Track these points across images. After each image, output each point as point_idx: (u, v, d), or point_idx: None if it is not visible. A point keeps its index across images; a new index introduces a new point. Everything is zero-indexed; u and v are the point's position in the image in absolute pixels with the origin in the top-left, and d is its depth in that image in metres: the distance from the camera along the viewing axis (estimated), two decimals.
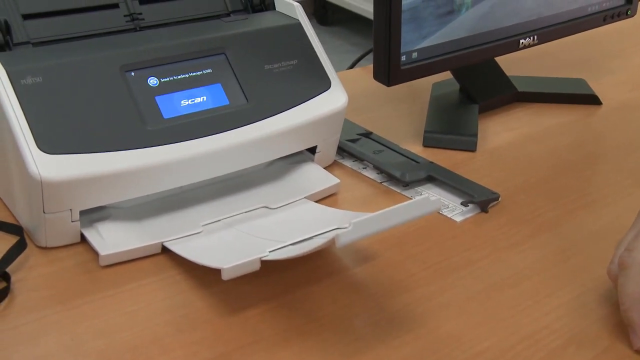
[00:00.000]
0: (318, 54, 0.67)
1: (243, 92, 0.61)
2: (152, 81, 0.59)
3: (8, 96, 0.53)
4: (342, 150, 0.71)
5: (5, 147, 0.54)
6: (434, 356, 0.47)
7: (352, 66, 0.97)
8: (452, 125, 0.76)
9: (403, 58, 0.69)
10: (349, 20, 3.40)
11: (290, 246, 0.52)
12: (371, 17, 2.56)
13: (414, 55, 0.70)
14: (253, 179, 0.64)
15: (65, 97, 0.54)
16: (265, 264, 0.49)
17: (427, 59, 0.71)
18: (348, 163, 0.70)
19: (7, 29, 0.58)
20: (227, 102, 0.60)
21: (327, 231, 0.54)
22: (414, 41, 0.69)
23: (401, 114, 0.82)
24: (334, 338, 0.48)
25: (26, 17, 0.60)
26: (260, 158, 0.62)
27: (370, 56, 0.99)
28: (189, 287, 0.52)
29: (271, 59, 0.64)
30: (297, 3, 0.68)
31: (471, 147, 0.74)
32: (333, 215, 0.58)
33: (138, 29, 0.64)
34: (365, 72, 0.95)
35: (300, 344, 0.47)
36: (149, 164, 0.55)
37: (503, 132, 0.79)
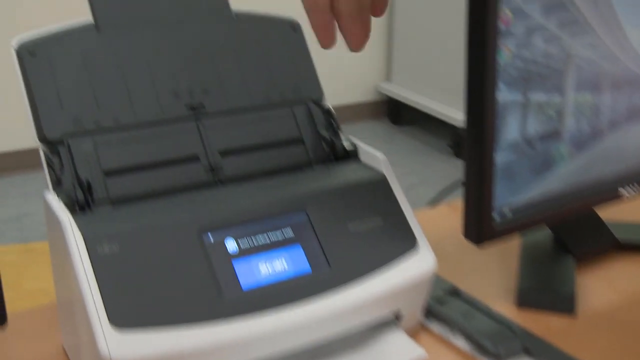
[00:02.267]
0: (404, 211, 0.63)
1: (325, 255, 0.58)
2: (230, 245, 0.56)
3: (84, 266, 0.50)
4: (428, 312, 0.66)
5: (76, 318, 0.52)
6: None
7: (434, 202, 0.92)
8: (546, 281, 0.70)
9: (495, 216, 0.64)
10: (421, 119, 3.40)
11: None
12: (442, 117, 2.56)
13: (507, 212, 0.65)
14: (331, 345, 0.60)
15: (140, 265, 0.52)
16: None
17: (521, 216, 0.66)
18: (435, 327, 0.65)
19: (88, 188, 0.57)
20: (309, 268, 0.57)
21: None
22: (507, 197, 0.65)
23: (490, 262, 0.77)
24: None
25: (108, 173, 0.59)
26: (342, 327, 0.58)
27: (456, 192, 0.95)
28: None
29: (354, 218, 0.61)
30: (382, 155, 0.65)
31: (569, 309, 0.67)
32: None
33: (218, 182, 0.62)
34: (450, 210, 0.91)
35: None
36: (225, 340, 0.51)
37: (605, 290, 0.72)
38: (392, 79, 3.51)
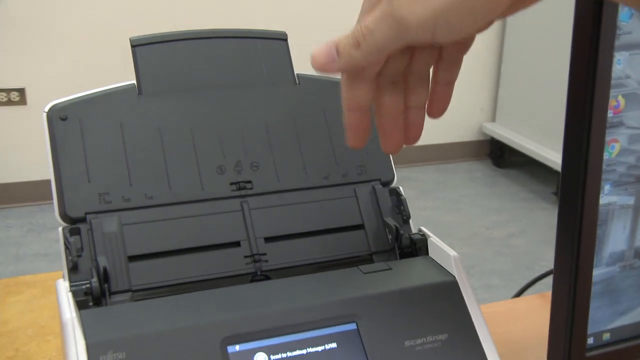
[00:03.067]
0: (475, 324, 0.52)
1: None
2: (259, 359, 0.47)
3: None
4: None
5: None
6: None
7: (518, 294, 0.80)
8: None
9: (590, 341, 0.52)
10: (526, 164, 3.21)
11: None
12: (548, 163, 2.36)
13: (606, 336, 0.53)
14: None
15: None
16: None
17: (624, 341, 0.54)
18: None
19: (105, 277, 0.50)
20: None
21: None
22: (607, 319, 0.53)
23: None
24: None
25: (132, 258, 0.51)
26: None
27: (545, 281, 0.83)
28: None
29: (414, 331, 0.50)
30: (454, 254, 0.55)
31: None
32: None
33: (259, 273, 0.54)
34: (541, 302, 0.78)
35: None
36: None
37: None
38: (496, 119, 3.35)
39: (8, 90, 2.73)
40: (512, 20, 3.14)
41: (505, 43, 3.21)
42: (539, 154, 2.96)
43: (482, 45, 3.21)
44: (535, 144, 3.01)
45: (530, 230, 2.71)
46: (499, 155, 3.32)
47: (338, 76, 0.62)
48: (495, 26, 3.20)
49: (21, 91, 2.72)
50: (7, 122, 2.72)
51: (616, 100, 0.48)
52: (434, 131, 3.28)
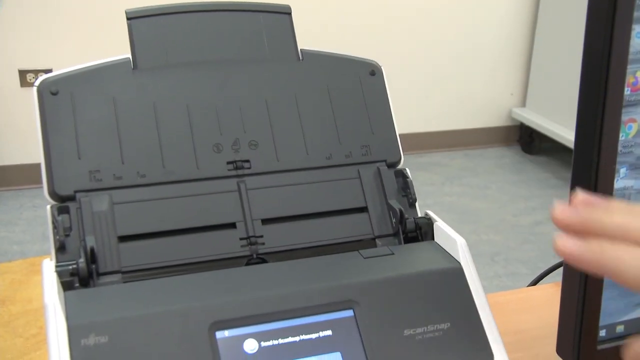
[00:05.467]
0: (480, 313, 0.50)
1: None
2: (249, 346, 0.45)
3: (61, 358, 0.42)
4: None
5: None
6: None
7: (534, 283, 0.77)
8: None
9: (602, 333, 0.49)
10: (556, 150, 3.15)
11: None
12: None
13: (619, 329, 0.50)
14: None
15: None
16: None
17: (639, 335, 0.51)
18: None
19: (93, 257, 0.48)
20: None
21: None
22: (621, 310, 0.50)
23: None
24: None
25: (123, 239, 0.50)
26: None
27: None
28: None
29: (414, 320, 0.48)
30: (461, 239, 0.52)
31: None
32: None
33: (254, 256, 0.52)
34: (556, 290, 0.75)
35: None
36: None
37: None
38: (527, 104, 3.28)
39: (36, 71, 2.75)
40: (545, 3, 3.06)
41: (537, 27, 3.14)
42: (569, 141, 2.89)
43: (514, 28, 3.14)
44: (567, 130, 2.94)
45: None
46: (528, 141, 3.26)
47: (343, 53, 0.60)
48: (528, 9, 3.13)
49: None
50: None
51: (634, 76, 0.44)
52: (463, 116, 3.23)
